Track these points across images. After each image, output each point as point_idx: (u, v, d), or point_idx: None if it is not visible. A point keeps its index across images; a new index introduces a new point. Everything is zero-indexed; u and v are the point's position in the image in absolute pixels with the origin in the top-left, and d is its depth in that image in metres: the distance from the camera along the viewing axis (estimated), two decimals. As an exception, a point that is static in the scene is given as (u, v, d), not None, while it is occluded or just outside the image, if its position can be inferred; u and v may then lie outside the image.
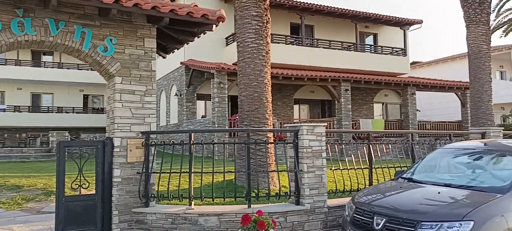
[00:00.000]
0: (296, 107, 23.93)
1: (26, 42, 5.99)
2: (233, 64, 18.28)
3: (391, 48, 25.08)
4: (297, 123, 19.82)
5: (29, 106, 29.12)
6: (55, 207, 5.97)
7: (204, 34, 7.30)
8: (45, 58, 30.08)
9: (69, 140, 21.31)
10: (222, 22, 6.77)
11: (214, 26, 6.80)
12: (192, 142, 6.31)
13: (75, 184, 6.10)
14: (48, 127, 26.53)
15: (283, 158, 7.14)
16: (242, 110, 10.48)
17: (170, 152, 6.89)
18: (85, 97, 31.37)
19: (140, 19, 6.70)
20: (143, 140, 6.50)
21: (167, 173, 6.45)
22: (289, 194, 6.63)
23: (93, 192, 6.32)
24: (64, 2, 5.71)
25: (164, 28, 6.99)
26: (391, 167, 7.50)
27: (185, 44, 7.90)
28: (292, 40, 22.40)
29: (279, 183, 7.41)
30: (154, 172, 6.53)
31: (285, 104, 23.15)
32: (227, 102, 18.62)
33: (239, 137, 11.04)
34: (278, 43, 20.84)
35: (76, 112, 29.89)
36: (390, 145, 8.35)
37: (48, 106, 29.76)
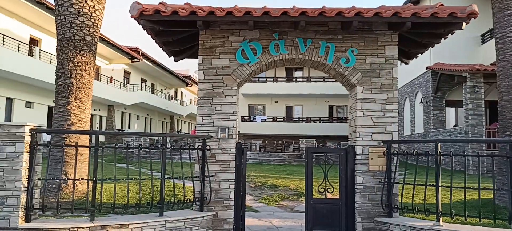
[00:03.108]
0: None
1: (280, 61, 6.90)
2: (491, 64, 15.79)
3: None
4: None
5: (283, 117, 33.42)
6: (304, 207, 6.60)
7: (451, 34, 6.61)
8: (296, 74, 33.92)
9: (315, 147, 23.19)
10: (474, 18, 5.96)
11: (464, 24, 6.06)
12: (438, 152, 5.78)
13: (321, 188, 6.56)
14: (299, 135, 29.69)
15: None
16: (504, 118, 8.91)
17: (413, 162, 6.50)
18: (330, 107, 33.52)
19: (381, 28, 6.66)
20: (385, 148, 6.40)
21: (411, 184, 6.11)
22: None
23: (337, 196, 6.64)
24: (311, 22, 6.28)
25: (405, 33, 6.72)
26: None
27: (430, 47, 7.34)
28: None
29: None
30: (397, 182, 6.31)
31: None
32: (483, 108, 16.18)
33: (500, 149, 9.39)
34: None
35: (323, 122, 32.29)
36: None
37: (299, 117, 33.35)
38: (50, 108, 24.49)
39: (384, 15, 5.96)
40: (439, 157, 5.79)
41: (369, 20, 6.05)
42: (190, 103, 50.44)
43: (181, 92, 49.51)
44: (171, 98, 43.22)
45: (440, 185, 5.75)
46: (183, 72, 45.13)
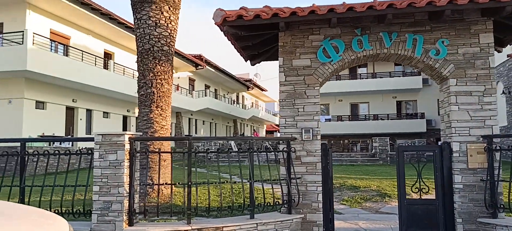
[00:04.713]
0: None
1: (363, 57, 6.68)
2: None
3: None
4: None
5: (349, 116, 32.64)
6: (397, 208, 6.31)
7: (557, 15, 5.99)
8: (360, 70, 32.99)
9: (389, 145, 22.28)
10: None
11: None
12: (552, 146, 5.25)
13: (415, 188, 6.24)
14: (365, 133, 28.82)
15: None
16: None
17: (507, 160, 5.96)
18: (398, 103, 32.15)
19: (473, 15, 6.22)
20: (485, 144, 5.94)
21: (519, 182, 5.61)
22: None
23: (432, 196, 6.27)
24: (397, 14, 6.00)
25: (501, 19, 6.21)
26: None
27: (529, 32, 6.73)
28: None
29: None
30: (501, 180, 5.83)
31: None
32: None
33: None
34: None
35: (391, 119, 31.05)
36: None
37: (365, 115, 32.36)
38: (124, 118, 25.96)
39: (480, 1, 5.54)
40: (552, 151, 5.26)
41: (462, 7, 5.68)
42: (251, 106, 51.02)
43: (243, 96, 50.24)
44: (234, 103, 43.99)
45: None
46: (243, 76, 45.78)
